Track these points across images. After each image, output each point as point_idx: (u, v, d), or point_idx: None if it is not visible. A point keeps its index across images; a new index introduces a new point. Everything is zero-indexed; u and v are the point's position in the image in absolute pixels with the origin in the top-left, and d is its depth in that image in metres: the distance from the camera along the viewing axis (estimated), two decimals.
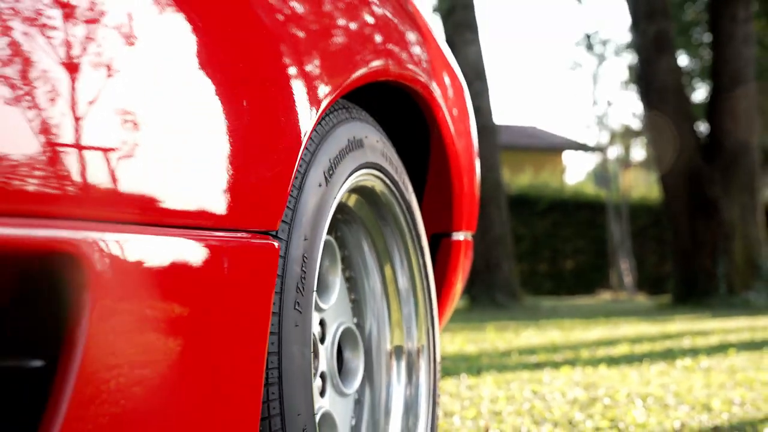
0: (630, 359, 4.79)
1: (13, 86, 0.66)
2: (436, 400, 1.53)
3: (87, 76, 0.74)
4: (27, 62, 0.68)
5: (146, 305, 0.75)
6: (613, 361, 4.69)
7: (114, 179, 0.74)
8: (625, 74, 21.73)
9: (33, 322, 0.70)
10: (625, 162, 20.91)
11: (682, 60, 19.67)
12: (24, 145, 0.67)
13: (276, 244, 0.97)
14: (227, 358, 0.87)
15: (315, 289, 1.10)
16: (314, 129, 1.10)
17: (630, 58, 19.27)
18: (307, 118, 1.05)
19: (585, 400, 3.27)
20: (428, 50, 1.60)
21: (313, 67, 1.09)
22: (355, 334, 1.44)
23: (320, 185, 1.14)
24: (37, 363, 0.68)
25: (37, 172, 0.68)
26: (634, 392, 3.44)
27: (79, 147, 0.72)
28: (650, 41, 12.70)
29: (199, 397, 0.83)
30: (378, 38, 1.34)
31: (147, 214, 0.77)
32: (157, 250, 0.77)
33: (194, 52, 0.89)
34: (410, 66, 1.44)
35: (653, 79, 12.64)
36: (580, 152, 26.00)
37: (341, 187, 1.21)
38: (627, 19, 13.25)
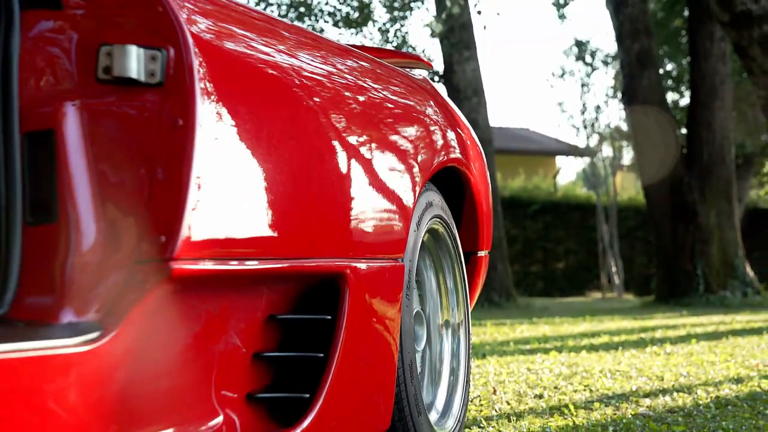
0: (608, 347, 5.77)
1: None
2: (469, 352, 2.50)
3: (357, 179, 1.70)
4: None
5: (370, 291, 1.72)
6: (593, 348, 5.67)
7: (358, 244, 1.71)
8: (612, 82, 22.48)
9: (327, 300, 1.66)
10: (615, 164, 21.71)
11: (670, 66, 20.46)
12: (323, 225, 1.64)
13: (402, 264, 1.95)
14: (391, 321, 1.84)
15: (415, 287, 2.08)
16: (416, 200, 2.08)
17: (617, 65, 20.10)
18: (416, 194, 2.03)
19: (567, 373, 4.24)
20: (464, 138, 2.57)
21: (419, 163, 2.07)
22: (422, 315, 2.40)
23: (414, 231, 2.11)
24: (327, 317, 1.64)
25: (327, 237, 1.65)
26: (606, 369, 4.41)
27: (344, 233, 1.69)
28: (634, 58, 13.70)
29: (384, 340, 1.81)
30: (446, 140, 2.32)
31: (366, 253, 1.74)
32: (371, 270, 1.74)
33: (384, 165, 1.86)
34: (458, 153, 2.42)
35: (637, 93, 13.64)
36: (572, 156, 26.92)
37: (423, 230, 2.18)
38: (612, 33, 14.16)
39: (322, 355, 1.62)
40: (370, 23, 13.77)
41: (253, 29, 1.58)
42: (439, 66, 13.69)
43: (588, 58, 21.83)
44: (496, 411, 3.20)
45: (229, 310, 1.45)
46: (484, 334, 7.07)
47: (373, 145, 1.87)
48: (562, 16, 16.12)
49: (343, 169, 1.73)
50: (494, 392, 3.63)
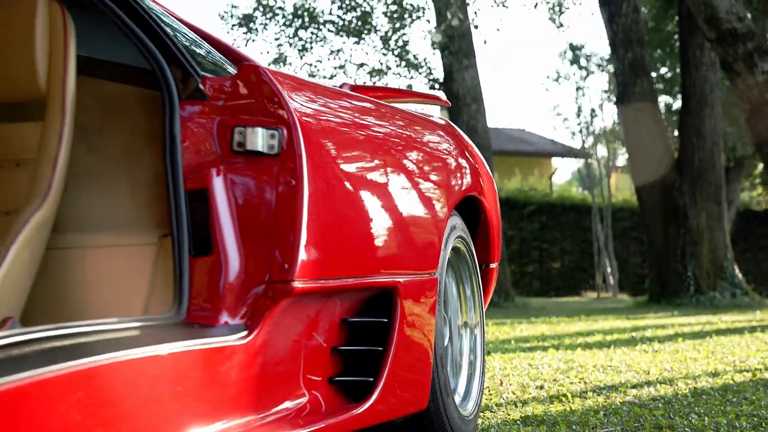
0: (601, 345, 6.30)
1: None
2: (484, 347, 3.02)
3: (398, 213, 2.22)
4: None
5: (415, 299, 2.24)
6: (587, 346, 6.20)
7: (406, 263, 2.23)
8: (606, 85, 22.90)
9: (384, 304, 2.18)
10: (609, 166, 22.17)
11: (663, 70, 20.96)
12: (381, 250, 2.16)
13: (436, 277, 2.47)
14: (428, 323, 2.36)
15: (448, 296, 2.60)
16: (445, 226, 2.60)
17: (611, 68, 20.55)
18: (445, 221, 2.55)
19: (564, 368, 4.77)
20: (478, 169, 3.09)
21: (447, 196, 2.59)
22: (445, 317, 2.92)
23: (443, 249, 2.63)
24: (384, 320, 2.15)
25: (385, 259, 2.17)
26: (599, 364, 4.93)
27: (396, 255, 2.21)
28: (627, 66, 14.24)
29: (424, 337, 2.33)
30: (466, 174, 2.85)
31: (411, 269, 2.26)
32: (415, 283, 2.26)
33: (417, 203, 2.39)
34: (475, 184, 2.94)
35: (630, 100, 14.19)
36: (567, 158, 27.42)
37: (449, 249, 2.70)
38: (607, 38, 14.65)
39: (381, 348, 2.15)
40: (372, 32, 14.29)
41: (332, 102, 2.11)
42: (439, 74, 14.22)
43: (583, 62, 22.29)
44: (503, 399, 3.72)
45: (318, 315, 1.97)
46: (487, 333, 7.60)
47: (415, 185, 2.40)
48: (560, 26, 16.62)
49: (396, 205, 2.25)
50: (501, 384, 4.16)
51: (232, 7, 14.17)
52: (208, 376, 1.60)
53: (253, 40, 14.13)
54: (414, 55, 14.29)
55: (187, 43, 1.94)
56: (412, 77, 14.14)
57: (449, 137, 2.92)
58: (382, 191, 2.20)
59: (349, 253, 2.01)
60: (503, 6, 14.27)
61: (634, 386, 4.06)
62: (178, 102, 1.81)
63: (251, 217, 1.82)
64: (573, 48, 22.39)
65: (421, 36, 15.96)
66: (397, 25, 14.20)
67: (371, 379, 2.11)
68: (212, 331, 1.68)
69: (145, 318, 1.64)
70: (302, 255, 1.80)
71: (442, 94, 3.55)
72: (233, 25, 14.08)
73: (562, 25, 16.34)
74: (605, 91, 22.68)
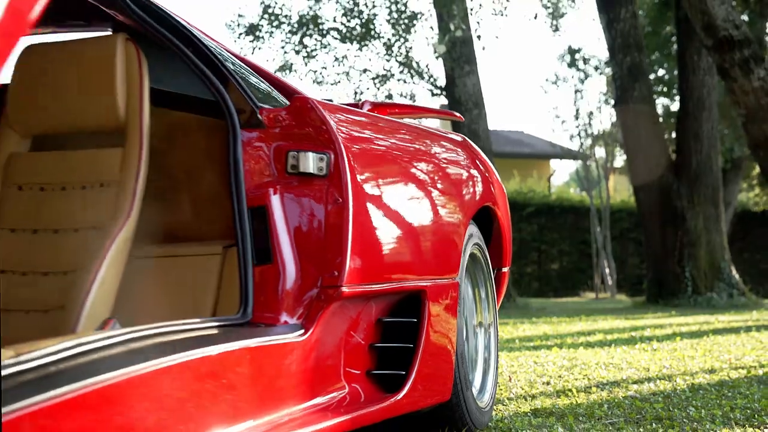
0: (602, 344, 6.56)
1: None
2: (497, 345, 3.28)
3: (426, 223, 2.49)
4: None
5: (440, 302, 2.51)
6: (589, 345, 6.46)
7: (432, 269, 2.49)
8: (605, 88, 23.12)
9: (413, 305, 2.45)
10: (607, 168, 22.41)
11: (661, 72, 21.21)
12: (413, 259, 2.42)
13: (457, 281, 2.73)
14: (451, 322, 2.62)
15: (464, 298, 2.86)
16: (464, 234, 2.86)
17: (609, 71, 20.78)
18: (465, 230, 2.81)
19: (568, 365, 5.03)
20: (491, 181, 3.36)
21: (466, 208, 2.86)
22: (462, 317, 3.18)
23: (462, 256, 2.89)
24: (414, 319, 2.41)
25: (415, 266, 2.43)
26: (601, 362, 5.20)
27: (424, 262, 2.48)
28: (626, 71, 14.50)
29: (447, 335, 2.59)
30: (482, 187, 3.11)
31: (437, 274, 2.52)
32: (440, 286, 2.52)
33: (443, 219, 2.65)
34: (490, 195, 3.21)
35: (629, 104, 14.46)
36: (565, 159, 27.68)
37: (467, 255, 2.97)
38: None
39: (411, 345, 2.41)
40: (376, 39, 14.55)
41: (367, 126, 2.38)
42: (441, 80, 14.47)
43: (581, 65, 22.51)
44: (513, 394, 3.98)
45: (359, 315, 2.24)
46: None
47: (439, 198, 2.67)
48: (555, 29, 16.88)
49: (424, 217, 2.52)
50: (510, 380, 4.42)
51: (239, 16, 14.43)
52: (272, 369, 1.87)
53: (260, 48, 14.40)
54: (416, 62, 14.54)
55: (245, 77, 2.21)
56: (415, 83, 14.40)
57: (466, 152, 3.19)
58: (411, 205, 2.47)
59: (386, 261, 2.28)
60: (503, 15, 14.50)
61: (635, 382, 4.33)
62: (239, 129, 2.08)
63: (305, 230, 2.09)
64: (571, 51, 22.61)
65: (424, 42, 16.22)
66: (400, 31, 14.45)
67: (403, 372, 2.37)
68: (275, 329, 1.95)
69: (220, 319, 1.90)
70: (349, 263, 2.07)
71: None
72: (240, 34, 14.34)
73: (557, 29, 16.58)
74: (603, 94, 22.91)
